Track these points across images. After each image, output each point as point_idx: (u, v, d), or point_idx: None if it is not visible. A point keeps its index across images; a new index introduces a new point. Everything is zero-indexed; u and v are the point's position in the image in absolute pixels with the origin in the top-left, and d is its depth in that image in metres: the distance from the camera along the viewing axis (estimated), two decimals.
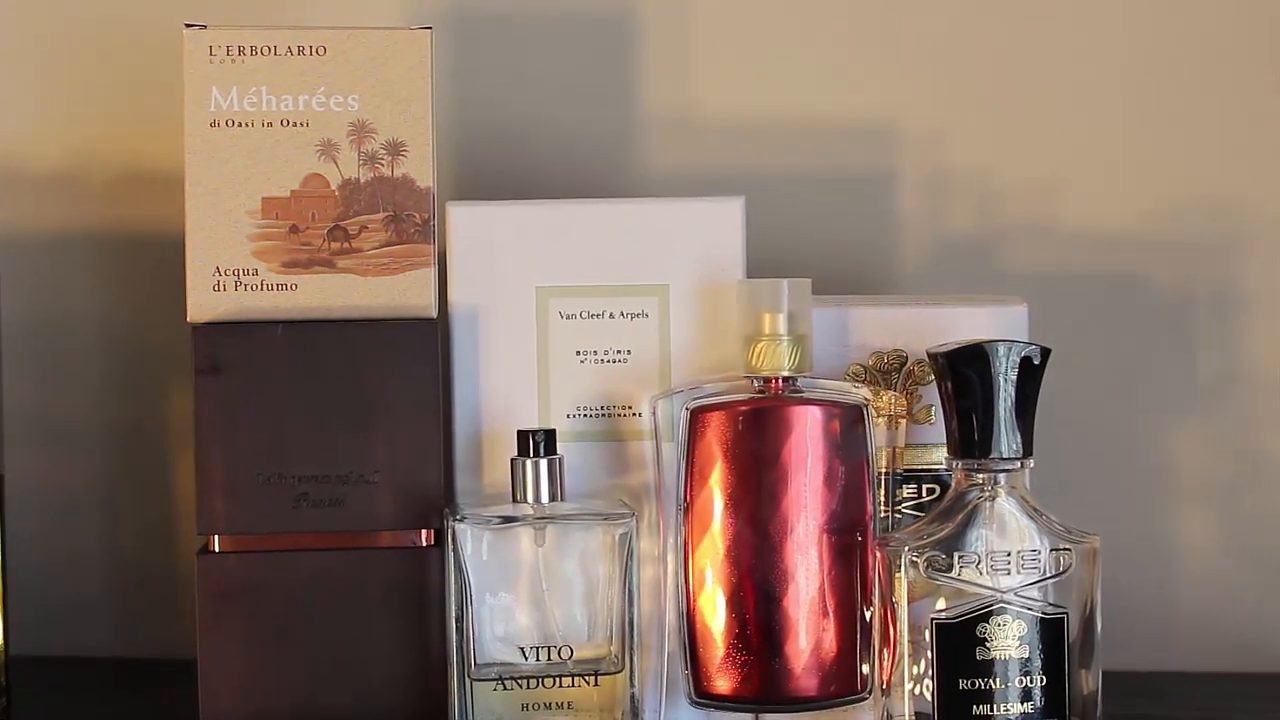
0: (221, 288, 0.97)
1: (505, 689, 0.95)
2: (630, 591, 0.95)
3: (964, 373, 0.91)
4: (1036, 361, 0.92)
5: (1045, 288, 1.14)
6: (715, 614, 0.96)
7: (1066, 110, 1.18)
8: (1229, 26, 1.17)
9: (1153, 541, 1.18)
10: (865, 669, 0.96)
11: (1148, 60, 1.18)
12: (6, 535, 1.01)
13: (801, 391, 0.96)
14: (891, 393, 0.99)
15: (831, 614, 0.96)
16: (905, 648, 0.92)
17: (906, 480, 0.99)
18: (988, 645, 0.91)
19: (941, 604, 0.91)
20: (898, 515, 0.99)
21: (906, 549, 0.91)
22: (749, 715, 0.97)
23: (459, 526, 0.94)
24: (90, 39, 1.20)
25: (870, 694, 0.96)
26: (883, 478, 0.98)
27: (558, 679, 0.95)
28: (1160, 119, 1.18)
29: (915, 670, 0.92)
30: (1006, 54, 1.18)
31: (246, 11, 1.13)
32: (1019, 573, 0.91)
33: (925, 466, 0.99)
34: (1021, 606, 0.91)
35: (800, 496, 0.95)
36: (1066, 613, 0.91)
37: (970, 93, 1.18)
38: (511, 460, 0.96)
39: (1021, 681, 0.91)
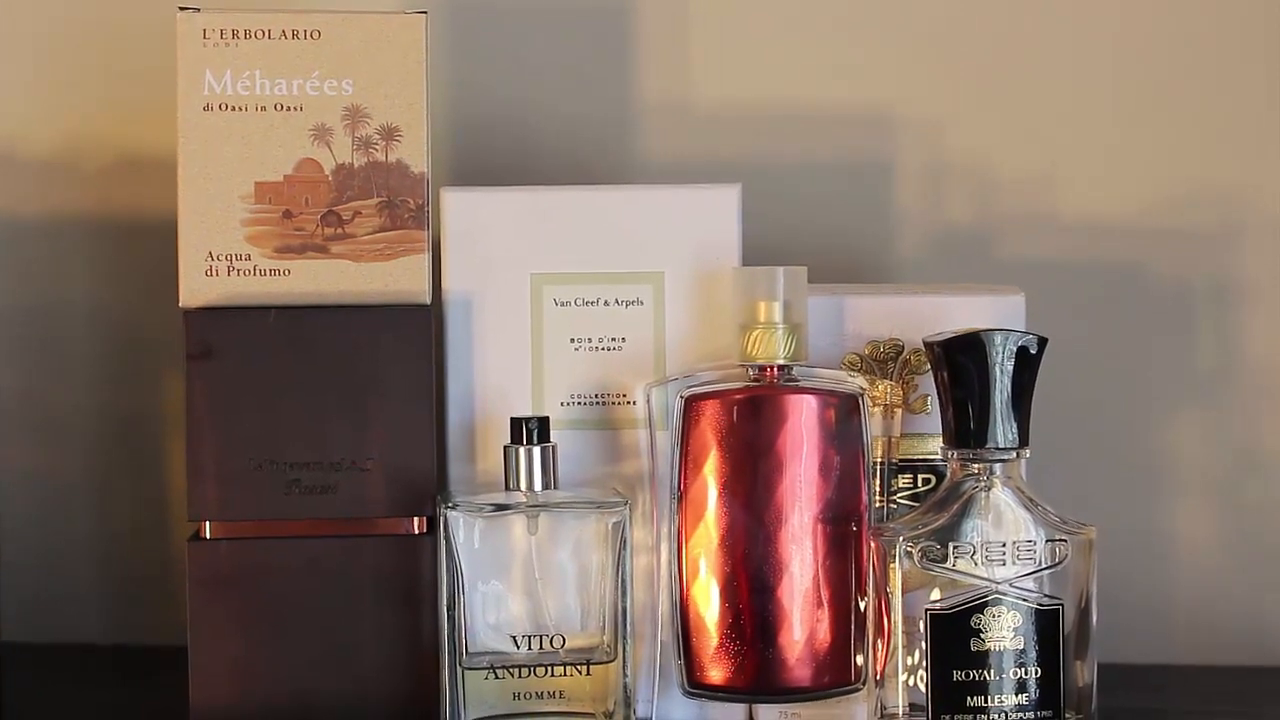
0: (214, 273, 0.96)
1: (497, 678, 0.94)
2: (623, 581, 0.95)
3: (960, 362, 0.91)
4: (1033, 351, 0.91)
5: (1043, 278, 1.13)
6: (709, 604, 0.96)
7: (1065, 100, 1.17)
8: (1228, 16, 1.17)
9: (1149, 533, 1.17)
10: (859, 660, 0.95)
11: (1147, 50, 1.17)
12: None
13: (797, 380, 0.95)
14: (887, 382, 0.98)
15: (826, 604, 0.95)
16: (899, 639, 0.92)
17: (902, 470, 0.99)
18: (982, 636, 0.90)
19: (936, 595, 0.91)
20: (893, 505, 0.98)
21: (901, 539, 0.91)
22: (742, 706, 0.97)
23: (451, 514, 0.94)
24: (83, 23, 1.19)
25: (864, 685, 0.95)
26: (878, 467, 0.97)
27: (550, 668, 0.94)
28: (1159, 109, 1.17)
29: (909, 661, 0.92)
30: (1005, 43, 1.17)
31: None
32: (1014, 563, 0.91)
33: (921, 456, 0.99)
34: (1017, 598, 0.90)
35: (795, 486, 0.95)
36: (1062, 604, 0.91)
37: (969, 82, 1.17)
38: (505, 448, 0.95)
39: (1016, 673, 0.90)
